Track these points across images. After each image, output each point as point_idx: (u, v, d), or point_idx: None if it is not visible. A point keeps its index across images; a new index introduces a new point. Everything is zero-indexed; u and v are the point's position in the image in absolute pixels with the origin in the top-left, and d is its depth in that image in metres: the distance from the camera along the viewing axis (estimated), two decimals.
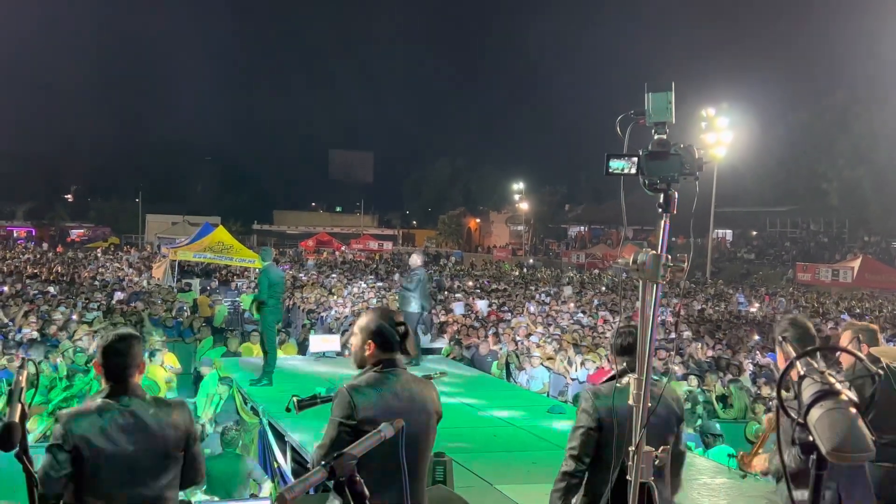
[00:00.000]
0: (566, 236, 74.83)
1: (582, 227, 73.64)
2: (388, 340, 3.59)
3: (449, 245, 75.87)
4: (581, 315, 22.04)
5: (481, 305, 23.10)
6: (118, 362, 3.57)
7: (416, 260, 12.87)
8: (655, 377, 3.46)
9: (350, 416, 3.40)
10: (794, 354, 1.71)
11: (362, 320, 3.68)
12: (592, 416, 3.95)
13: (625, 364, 3.90)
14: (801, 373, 1.65)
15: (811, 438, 1.60)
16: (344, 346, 13.41)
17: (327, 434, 3.47)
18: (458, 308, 22.21)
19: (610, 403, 3.79)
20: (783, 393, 1.75)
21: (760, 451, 4.39)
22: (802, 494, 3.46)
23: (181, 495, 3.69)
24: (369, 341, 3.60)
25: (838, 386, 1.63)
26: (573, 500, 3.99)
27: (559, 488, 3.97)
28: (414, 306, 12.34)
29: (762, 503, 6.71)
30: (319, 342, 13.66)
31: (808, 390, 1.63)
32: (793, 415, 1.62)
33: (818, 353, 1.81)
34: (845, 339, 5.11)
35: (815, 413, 1.60)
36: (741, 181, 50.95)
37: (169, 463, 3.53)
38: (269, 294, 11.06)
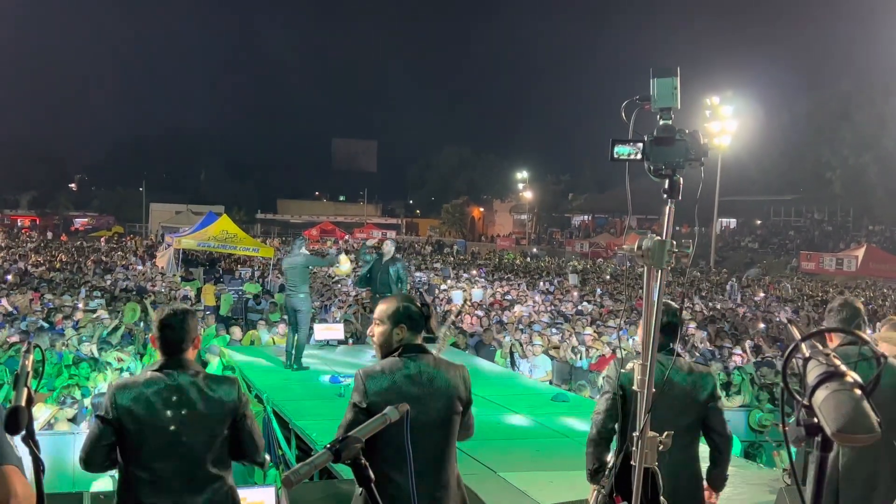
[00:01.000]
0: (570, 225, 74.75)
1: (585, 217, 73.55)
2: (417, 323, 3.64)
3: (452, 234, 75.84)
4: (585, 304, 22.05)
5: (476, 294, 23.10)
6: (172, 336, 3.63)
7: (388, 248, 12.56)
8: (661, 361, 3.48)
9: (362, 399, 3.46)
10: (799, 336, 1.71)
11: (385, 307, 3.68)
12: (615, 384, 4.06)
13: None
14: (807, 354, 1.65)
15: (816, 420, 1.60)
16: (351, 336, 13.44)
17: (345, 416, 3.53)
18: (457, 297, 22.29)
19: (628, 377, 3.87)
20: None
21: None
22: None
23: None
24: (401, 325, 3.61)
25: (843, 367, 1.63)
26: (608, 459, 4.11)
27: (590, 451, 4.18)
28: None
29: (764, 490, 6.73)
30: (323, 331, 13.68)
31: (813, 372, 1.63)
32: (798, 397, 1.62)
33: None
34: (886, 332, 5.10)
35: (820, 394, 1.60)
36: (745, 170, 50.84)
37: (214, 439, 3.56)
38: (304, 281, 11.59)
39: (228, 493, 3.63)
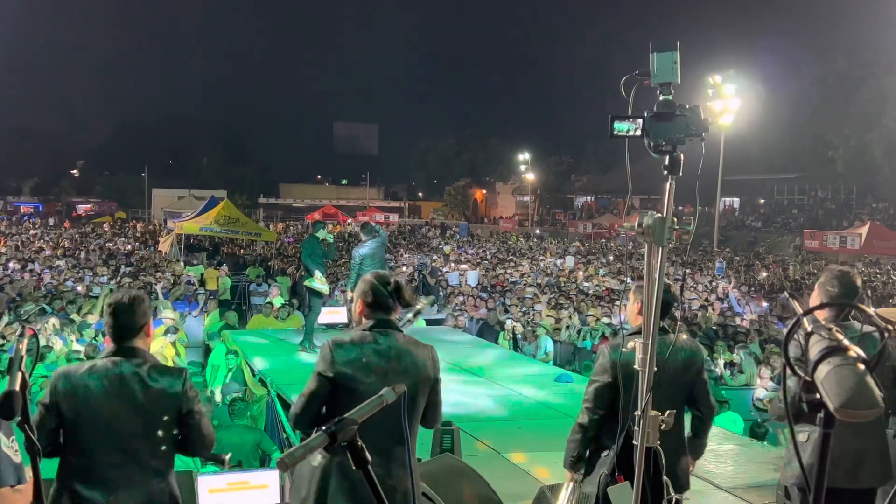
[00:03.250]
0: (573, 206, 74.60)
1: (588, 197, 73.34)
2: (379, 299, 3.64)
3: (455, 216, 75.71)
4: (587, 284, 22.02)
5: (471, 276, 23.10)
6: (120, 322, 3.55)
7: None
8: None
9: (328, 368, 3.49)
10: (801, 311, 1.68)
11: (358, 286, 3.75)
12: (608, 370, 4.02)
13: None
14: (809, 329, 1.62)
15: (818, 396, 1.57)
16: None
17: (308, 385, 3.55)
18: (453, 278, 22.34)
19: (627, 358, 3.85)
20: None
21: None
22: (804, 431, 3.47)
23: (185, 465, 3.68)
24: (359, 299, 3.67)
25: (846, 342, 1.60)
26: (586, 451, 4.10)
27: (574, 439, 4.11)
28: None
29: (769, 468, 6.73)
30: (326, 314, 13.67)
31: (816, 347, 1.60)
32: (800, 372, 1.59)
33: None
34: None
35: (823, 370, 1.57)
36: (748, 148, 50.62)
37: (152, 429, 3.46)
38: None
39: (165, 489, 3.52)
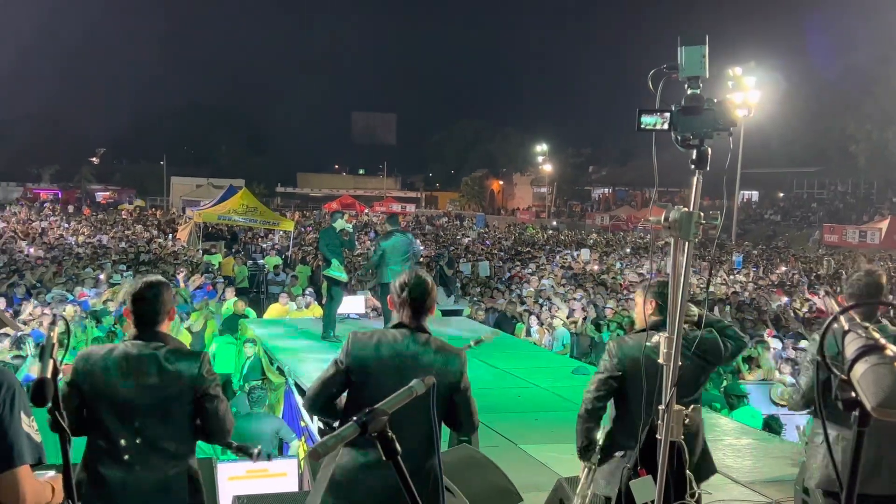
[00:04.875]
0: (590, 198, 74.36)
1: (606, 189, 73.12)
2: (410, 299, 3.64)
3: (472, 207, 75.65)
4: (605, 276, 21.97)
5: (482, 268, 23.11)
6: (145, 309, 3.58)
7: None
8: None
9: (344, 359, 3.55)
10: (837, 309, 1.67)
11: (399, 278, 3.75)
12: (614, 365, 4.04)
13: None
14: (845, 328, 1.61)
15: (854, 395, 1.56)
16: (373, 310, 13.49)
17: (325, 370, 3.62)
18: (465, 270, 22.39)
19: (634, 354, 3.86)
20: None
21: None
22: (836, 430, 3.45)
23: (205, 452, 3.70)
24: (393, 296, 3.70)
25: (883, 341, 1.59)
26: (597, 437, 4.13)
27: (579, 429, 4.18)
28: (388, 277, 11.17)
29: (787, 463, 6.71)
30: (343, 304, 13.70)
31: (852, 346, 1.59)
32: (836, 370, 1.58)
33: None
34: None
35: (860, 368, 1.56)
36: (768, 141, 50.28)
37: (168, 412, 3.49)
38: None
39: (186, 472, 3.55)
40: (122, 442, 3.44)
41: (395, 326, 3.66)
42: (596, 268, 24.23)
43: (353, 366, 3.55)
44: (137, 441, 3.45)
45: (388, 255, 10.88)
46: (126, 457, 3.44)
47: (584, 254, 29.13)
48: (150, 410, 3.47)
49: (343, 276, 11.59)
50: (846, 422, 1.65)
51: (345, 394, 3.65)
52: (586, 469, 4.21)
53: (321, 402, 3.64)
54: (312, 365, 9.91)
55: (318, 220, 44.91)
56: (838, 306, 1.64)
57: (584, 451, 4.16)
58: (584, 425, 4.16)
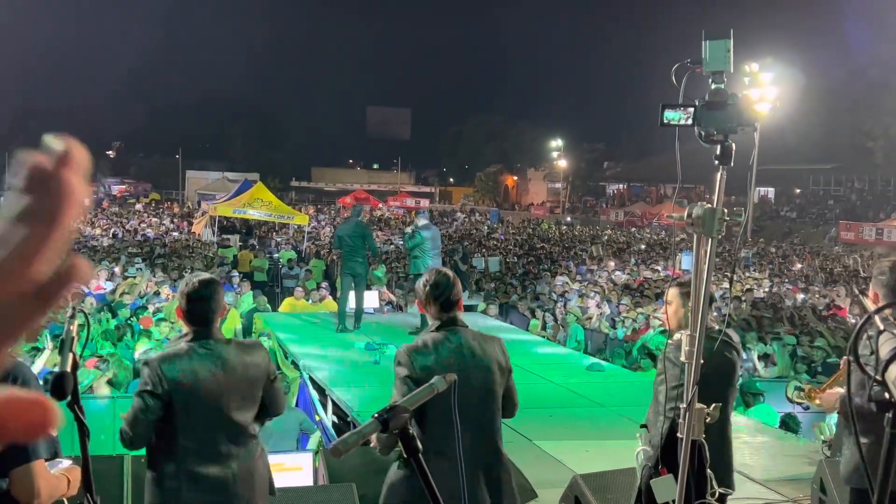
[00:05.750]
0: (605, 194, 74.12)
1: (621, 185, 72.81)
2: (444, 298, 3.70)
3: (486, 203, 75.56)
4: (619, 273, 21.88)
5: (493, 263, 23.07)
6: (203, 308, 3.63)
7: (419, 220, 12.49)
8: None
9: (411, 373, 3.56)
10: (871, 309, 1.64)
11: (421, 280, 3.81)
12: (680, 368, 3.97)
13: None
14: (880, 328, 1.58)
15: (888, 396, 1.53)
16: (388, 303, 13.56)
17: (398, 390, 3.58)
18: (478, 265, 22.37)
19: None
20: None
21: (833, 387, 4.22)
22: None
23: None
24: (422, 298, 3.74)
25: None
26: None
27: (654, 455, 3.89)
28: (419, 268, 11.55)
29: (803, 462, 6.67)
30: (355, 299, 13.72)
31: (886, 346, 1.56)
32: (869, 371, 1.55)
33: None
34: None
35: (895, 370, 1.53)
36: (784, 138, 49.94)
37: (252, 401, 3.65)
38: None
39: (264, 455, 3.74)
40: (218, 438, 3.55)
41: (438, 329, 3.71)
42: (612, 263, 24.08)
43: (421, 377, 3.49)
44: (230, 435, 3.56)
45: (425, 244, 11.15)
46: (223, 451, 3.54)
47: (595, 251, 29.04)
48: (239, 403, 3.59)
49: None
50: (878, 422, 1.62)
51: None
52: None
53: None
54: (328, 359, 9.94)
55: (334, 215, 44.93)
56: (873, 305, 1.60)
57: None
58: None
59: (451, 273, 3.77)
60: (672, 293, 4.24)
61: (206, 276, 3.80)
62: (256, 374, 3.64)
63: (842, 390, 4.05)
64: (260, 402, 3.69)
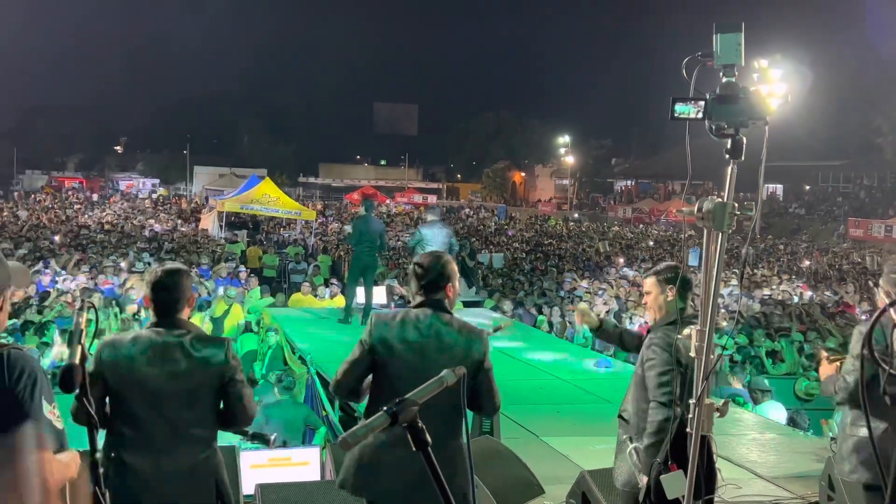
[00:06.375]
0: (612, 190, 74.00)
1: (629, 181, 72.66)
2: (426, 279, 3.68)
3: (493, 199, 75.51)
4: (627, 270, 21.86)
5: (497, 259, 23.08)
6: (166, 297, 3.59)
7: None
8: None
9: (367, 339, 3.60)
10: (886, 302, 1.63)
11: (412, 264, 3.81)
12: (673, 357, 3.95)
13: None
14: (895, 321, 1.56)
15: None
16: (400, 298, 13.58)
17: (351, 353, 3.66)
18: (483, 260, 22.40)
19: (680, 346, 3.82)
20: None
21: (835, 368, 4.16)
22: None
23: (227, 440, 3.71)
24: (412, 277, 3.73)
25: None
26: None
27: (653, 442, 3.86)
28: None
29: (811, 459, 6.64)
30: (364, 294, 13.72)
31: None
32: (884, 365, 1.54)
33: None
34: None
35: None
36: (793, 134, 49.76)
37: (195, 398, 3.53)
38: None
39: (211, 458, 3.59)
40: (150, 429, 3.47)
41: (418, 306, 3.67)
42: (620, 260, 24.04)
43: (376, 345, 3.58)
44: (166, 428, 3.47)
45: (425, 242, 11.14)
46: (154, 444, 3.46)
47: (601, 247, 29.04)
48: (177, 397, 3.49)
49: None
50: (888, 416, 1.60)
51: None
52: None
53: (347, 383, 3.66)
54: (335, 354, 9.93)
55: (341, 211, 44.94)
56: (886, 299, 1.58)
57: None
58: (659, 438, 3.89)
59: (445, 259, 3.74)
60: (649, 282, 4.22)
61: (172, 265, 3.76)
62: (202, 370, 3.52)
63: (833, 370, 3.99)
64: (210, 403, 3.56)
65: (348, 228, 13.66)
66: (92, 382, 3.38)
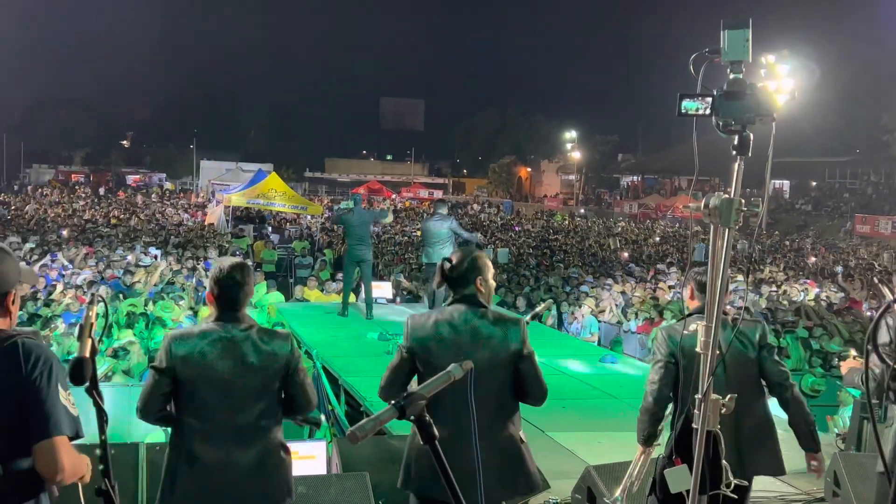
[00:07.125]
0: (618, 186, 73.87)
1: (635, 177, 72.53)
2: (455, 276, 3.73)
3: (499, 194, 75.45)
4: (632, 265, 21.84)
5: (501, 254, 23.06)
6: (232, 292, 3.64)
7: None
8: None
9: (406, 342, 3.68)
10: (891, 296, 1.64)
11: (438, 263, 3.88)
12: (666, 351, 4.07)
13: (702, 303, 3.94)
14: None
15: None
16: (408, 293, 13.60)
17: (393, 359, 3.75)
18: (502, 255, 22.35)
19: (684, 342, 3.89)
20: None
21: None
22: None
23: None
24: (436, 276, 3.80)
25: None
26: (660, 427, 4.12)
27: (643, 419, 4.14)
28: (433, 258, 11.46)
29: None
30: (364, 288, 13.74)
31: None
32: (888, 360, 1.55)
33: None
34: None
35: None
36: (800, 130, 49.61)
37: (265, 391, 3.60)
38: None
39: (278, 448, 3.65)
40: (222, 422, 3.53)
41: (451, 304, 3.73)
42: (626, 255, 24.01)
43: (414, 347, 3.66)
44: (236, 420, 3.53)
45: (426, 236, 11.22)
46: (225, 437, 3.52)
47: (612, 243, 29.00)
48: (249, 390, 3.56)
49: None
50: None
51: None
52: (643, 456, 4.21)
53: (392, 389, 3.72)
54: (340, 349, 9.97)
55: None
56: (893, 294, 1.59)
57: (647, 440, 4.17)
58: (648, 417, 4.15)
59: (466, 255, 3.79)
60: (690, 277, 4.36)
61: (236, 260, 3.81)
62: (271, 362, 3.59)
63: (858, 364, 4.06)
64: (277, 394, 3.64)
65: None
66: (160, 379, 3.47)
